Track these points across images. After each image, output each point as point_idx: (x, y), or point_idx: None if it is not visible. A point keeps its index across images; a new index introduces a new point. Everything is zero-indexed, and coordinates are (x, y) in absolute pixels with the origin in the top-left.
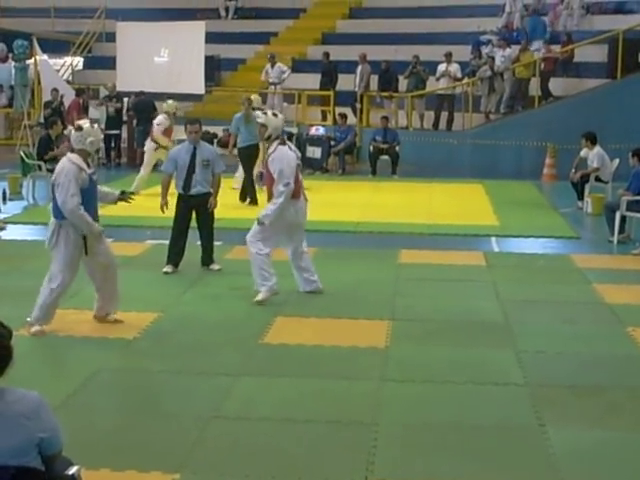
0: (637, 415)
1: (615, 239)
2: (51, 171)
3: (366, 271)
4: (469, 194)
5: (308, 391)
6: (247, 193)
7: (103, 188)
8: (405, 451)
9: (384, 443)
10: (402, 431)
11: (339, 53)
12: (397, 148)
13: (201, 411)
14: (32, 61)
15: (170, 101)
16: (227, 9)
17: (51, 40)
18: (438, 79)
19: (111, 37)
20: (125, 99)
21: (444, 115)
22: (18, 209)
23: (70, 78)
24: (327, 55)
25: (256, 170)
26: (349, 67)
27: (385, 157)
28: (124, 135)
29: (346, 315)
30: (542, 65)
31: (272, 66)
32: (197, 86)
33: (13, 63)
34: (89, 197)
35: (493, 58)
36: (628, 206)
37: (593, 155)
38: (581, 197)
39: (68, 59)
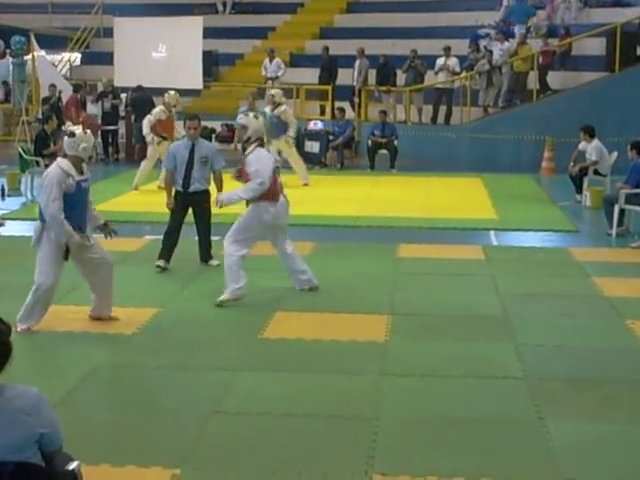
0: (636, 408)
1: (614, 232)
2: (49, 167)
3: (365, 265)
4: (468, 188)
5: (308, 386)
6: None
7: (93, 210)
8: (405, 445)
9: (384, 437)
10: (402, 425)
11: (337, 47)
12: (395, 142)
13: (201, 406)
14: (30, 57)
15: (172, 92)
16: (224, 4)
17: (49, 36)
18: (436, 73)
19: (109, 33)
20: (123, 95)
21: (442, 109)
22: (16, 205)
23: (68, 74)
24: (327, 49)
25: (235, 169)
26: (347, 61)
27: (383, 151)
28: (122, 130)
29: (345, 310)
30: (540, 58)
31: (270, 61)
32: (195, 81)
33: (11, 59)
34: (75, 204)
35: (491, 52)
36: (627, 199)
37: (592, 148)
38: (580, 190)
39: (66, 55)
